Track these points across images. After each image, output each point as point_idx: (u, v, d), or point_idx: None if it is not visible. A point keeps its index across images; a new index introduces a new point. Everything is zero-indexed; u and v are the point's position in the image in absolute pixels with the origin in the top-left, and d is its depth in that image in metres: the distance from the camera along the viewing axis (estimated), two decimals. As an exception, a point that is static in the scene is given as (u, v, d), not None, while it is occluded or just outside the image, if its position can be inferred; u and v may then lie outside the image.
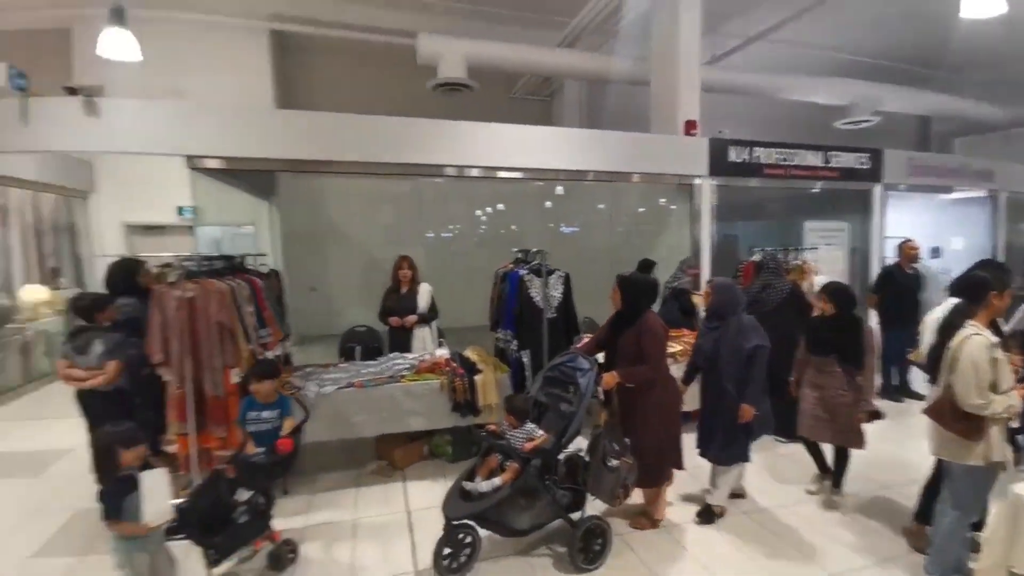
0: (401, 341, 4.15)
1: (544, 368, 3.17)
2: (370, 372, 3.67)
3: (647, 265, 4.66)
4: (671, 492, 3.28)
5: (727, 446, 3.05)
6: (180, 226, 7.35)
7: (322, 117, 4.93)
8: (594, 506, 2.84)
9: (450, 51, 6.48)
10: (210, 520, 2.40)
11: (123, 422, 2.24)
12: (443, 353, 3.93)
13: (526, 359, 3.74)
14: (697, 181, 5.54)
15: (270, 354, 3.59)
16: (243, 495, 2.57)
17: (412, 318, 4.14)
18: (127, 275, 3.50)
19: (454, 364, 3.77)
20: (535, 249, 3.98)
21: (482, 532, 2.63)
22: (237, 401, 3.08)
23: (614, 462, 2.67)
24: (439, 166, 5.18)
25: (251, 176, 6.07)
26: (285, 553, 2.75)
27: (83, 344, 2.97)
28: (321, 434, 3.39)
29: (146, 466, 2.15)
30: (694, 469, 3.30)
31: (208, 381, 3.10)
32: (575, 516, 2.75)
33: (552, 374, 2.99)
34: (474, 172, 5.29)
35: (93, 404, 3.11)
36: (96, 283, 7.33)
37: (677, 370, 3.54)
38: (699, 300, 4.50)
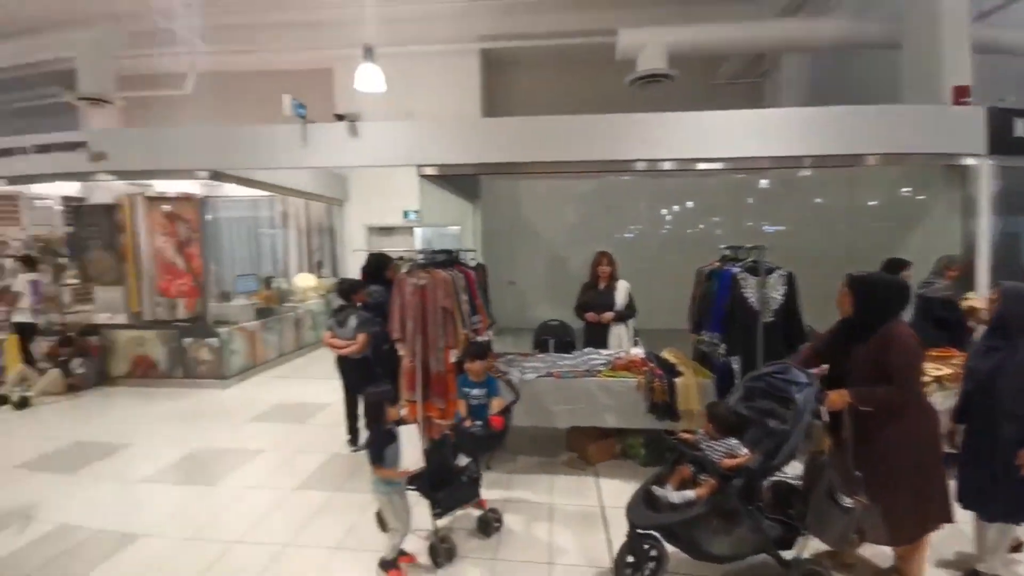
0: (597, 337, 4.18)
1: (746, 377, 2.84)
2: (567, 364, 3.79)
3: (897, 265, 3.82)
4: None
5: (1010, 502, 2.33)
6: (404, 227, 8.68)
7: (521, 121, 5.29)
8: (811, 546, 2.44)
9: (651, 42, 6.29)
10: (436, 478, 2.75)
11: (385, 384, 2.73)
12: (638, 352, 3.84)
13: (736, 365, 3.41)
14: (970, 161, 4.37)
15: (480, 339, 3.97)
16: (462, 460, 2.89)
17: (609, 315, 4.14)
18: (378, 267, 4.26)
19: (651, 364, 3.65)
20: (749, 245, 3.61)
21: (669, 547, 2.44)
22: (454, 378, 3.48)
23: (848, 501, 2.23)
24: (631, 161, 5.10)
25: (461, 181, 6.82)
26: (492, 520, 3.01)
27: (343, 319, 3.74)
28: (519, 418, 3.59)
29: (399, 423, 2.56)
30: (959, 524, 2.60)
31: (433, 358, 3.58)
32: (786, 555, 2.39)
33: (757, 385, 2.64)
34: (667, 165, 5.07)
35: (347, 368, 3.88)
36: (347, 273, 9.10)
37: (942, 399, 2.84)
38: (978, 305, 3.53)
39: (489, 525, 2.99)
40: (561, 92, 8.74)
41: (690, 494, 2.40)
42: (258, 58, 8.79)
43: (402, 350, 3.72)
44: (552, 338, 4.69)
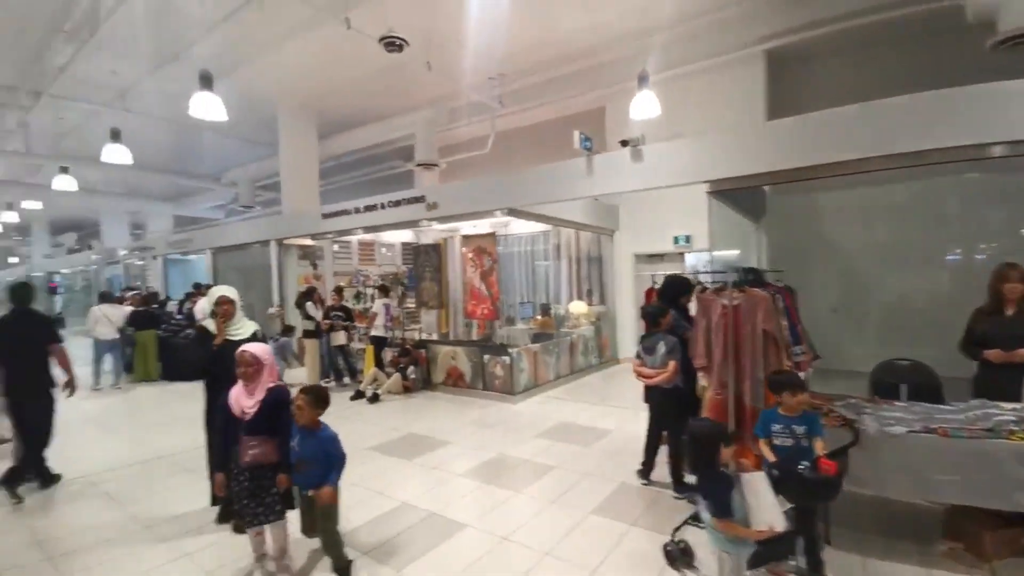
0: (1004, 383, 2.95)
1: None
2: (951, 419, 2.75)
3: None
4: None
5: None
6: (673, 253, 8.33)
7: (827, 116, 4.42)
8: None
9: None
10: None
11: (709, 420, 2.43)
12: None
13: None
14: None
15: (803, 375, 3.27)
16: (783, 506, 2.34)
17: (1029, 352, 2.88)
18: (676, 291, 3.98)
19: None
20: None
21: None
22: (779, 418, 2.90)
23: None
24: (987, 145, 3.67)
25: (744, 198, 6.12)
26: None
27: (651, 345, 3.54)
28: (873, 483, 2.77)
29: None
30: None
31: (748, 391, 3.07)
32: None
33: None
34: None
35: (656, 398, 3.64)
36: (617, 299, 9.23)
37: None
38: None
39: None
40: (867, 81, 7.19)
41: None
42: (538, 112, 9.90)
43: (705, 380, 3.33)
44: (904, 383, 3.57)
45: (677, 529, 2.97)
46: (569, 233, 9.11)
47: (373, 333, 7.68)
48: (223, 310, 3.29)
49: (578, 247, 9.26)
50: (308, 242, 9.73)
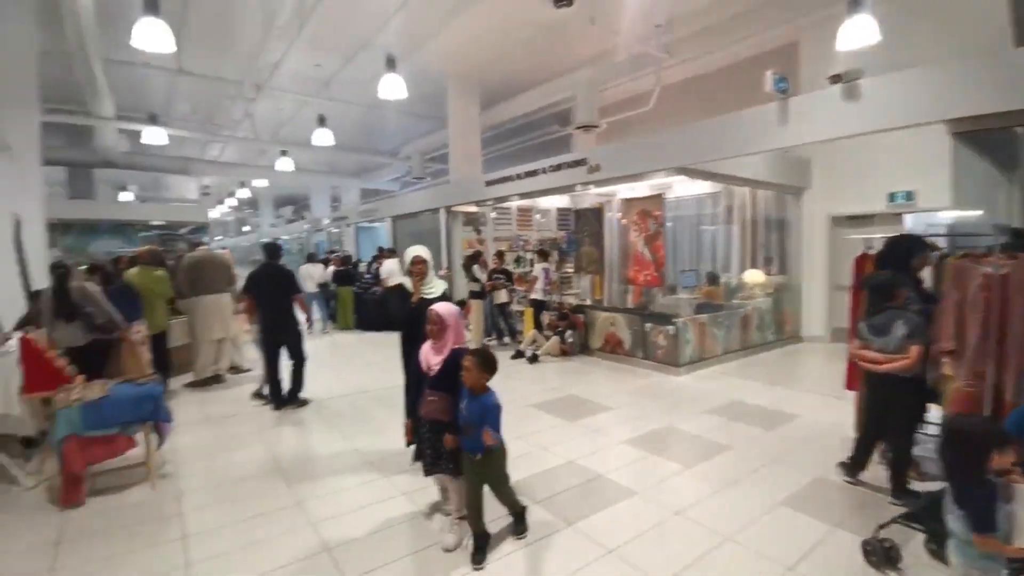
0: None
1: None
2: None
3: None
4: None
5: None
6: (886, 214, 6.92)
7: None
8: None
9: None
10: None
11: (979, 417, 1.96)
12: None
13: None
14: None
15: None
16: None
17: None
18: (905, 251, 3.23)
19: None
20: None
21: None
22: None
23: None
24: None
25: (999, 144, 4.76)
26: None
27: (882, 324, 2.91)
28: None
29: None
30: None
31: (1011, 385, 2.39)
32: None
33: None
34: None
35: (879, 386, 3.00)
36: (800, 269, 8.09)
37: None
38: None
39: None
40: None
41: None
42: (710, 59, 8.86)
43: (951, 368, 2.68)
44: None
45: (883, 526, 2.53)
46: (743, 193, 8.13)
47: (532, 296, 7.91)
48: (417, 269, 3.48)
49: (754, 209, 8.24)
50: (472, 209, 10.31)
